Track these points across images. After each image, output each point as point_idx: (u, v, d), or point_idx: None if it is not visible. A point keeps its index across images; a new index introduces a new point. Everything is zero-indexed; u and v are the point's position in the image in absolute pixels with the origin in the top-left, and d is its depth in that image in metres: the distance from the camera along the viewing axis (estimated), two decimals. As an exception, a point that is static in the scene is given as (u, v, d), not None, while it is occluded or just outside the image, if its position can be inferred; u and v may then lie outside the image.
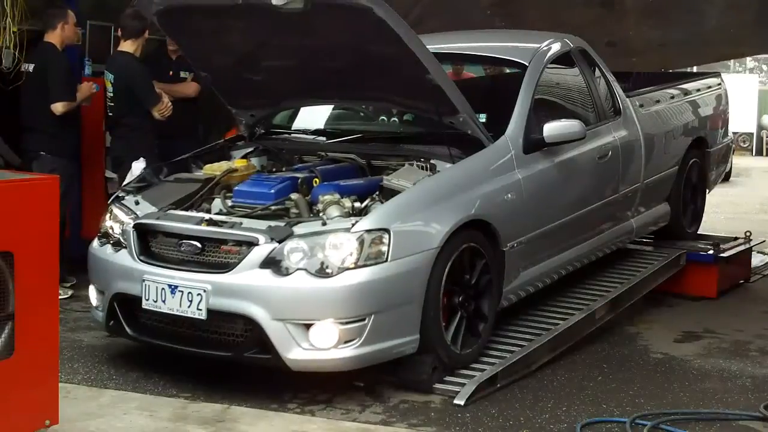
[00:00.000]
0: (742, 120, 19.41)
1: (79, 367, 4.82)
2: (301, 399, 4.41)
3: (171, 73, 7.01)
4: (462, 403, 4.35)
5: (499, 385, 4.58)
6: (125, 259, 4.69)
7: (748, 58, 27.84)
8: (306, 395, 4.44)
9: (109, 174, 6.85)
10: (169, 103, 6.38)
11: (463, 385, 4.47)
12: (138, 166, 5.85)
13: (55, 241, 3.57)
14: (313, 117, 5.93)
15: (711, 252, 6.74)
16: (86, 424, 4.05)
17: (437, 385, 4.51)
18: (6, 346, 3.42)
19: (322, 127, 5.85)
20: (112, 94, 6.35)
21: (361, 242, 4.28)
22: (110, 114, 6.44)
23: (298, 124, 5.94)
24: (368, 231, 4.31)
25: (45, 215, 3.53)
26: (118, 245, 4.80)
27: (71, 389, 4.46)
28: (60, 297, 4.06)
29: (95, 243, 5.00)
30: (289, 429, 4.09)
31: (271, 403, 4.35)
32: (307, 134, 5.72)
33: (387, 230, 4.33)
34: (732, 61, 25.68)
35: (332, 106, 5.96)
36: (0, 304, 3.39)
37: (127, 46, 6.36)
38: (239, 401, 4.36)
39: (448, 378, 4.57)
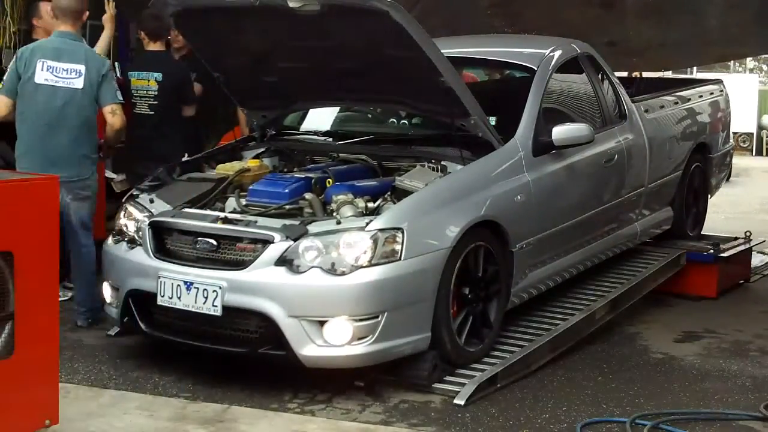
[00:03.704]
0: (742, 120, 19.44)
1: (79, 367, 4.82)
2: (301, 399, 4.42)
3: None
4: (462, 403, 4.37)
5: (499, 385, 4.61)
6: (140, 256, 4.75)
7: (748, 58, 27.86)
8: (306, 395, 4.45)
9: (108, 174, 6.87)
10: None
11: (463, 385, 4.49)
12: None
13: (55, 241, 3.57)
14: (321, 118, 6.00)
15: (711, 252, 6.80)
16: (86, 424, 4.06)
17: (437, 385, 4.53)
18: (6, 346, 3.43)
19: (331, 128, 5.91)
20: (156, 93, 6.37)
21: (375, 241, 4.35)
22: (152, 113, 6.40)
23: (307, 125, 6.00)
24: (382, 230, 4.38)
25: (45, 215, 3.53)
26: (132, 243, 4.87)
27: (71, 389, 4.46)
28: (60, 299, 4.00)
29: (110, 240, 5.07)
30: (289, 429, 4.11)
31: (271, 403, 4.36)
32: (317, 135, 5.78)
33: (400, 229, 4.41)
34: (732, 61, 25.71)
35: (339, 108, 6.03)
36: (0, 304, 3.40)
37: (158, 46, 6.49)
38: (239, 401, 4.38)
39: (448, 378, 4.58)
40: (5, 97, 5.26)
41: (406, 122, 5.76)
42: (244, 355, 4.50)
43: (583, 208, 5.70)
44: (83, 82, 5.20)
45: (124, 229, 4.99)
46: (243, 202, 4.93)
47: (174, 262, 4.63)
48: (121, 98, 5.41)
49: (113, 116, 5.30)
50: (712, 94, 7.59)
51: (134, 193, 5.18)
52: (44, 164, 5.10)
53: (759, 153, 22.47)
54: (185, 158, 5.62)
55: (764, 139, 22.74)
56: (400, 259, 4.39)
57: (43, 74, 5.15)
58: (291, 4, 4.64)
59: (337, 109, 6.05)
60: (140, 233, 4.83)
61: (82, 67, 5.21)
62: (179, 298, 4.53)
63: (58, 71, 5.16)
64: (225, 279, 4.45)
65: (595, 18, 8.56)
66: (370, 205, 4.73)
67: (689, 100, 7.23)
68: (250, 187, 4.97)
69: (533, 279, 5.29)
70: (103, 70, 5.27)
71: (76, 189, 5.31)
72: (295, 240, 4.40)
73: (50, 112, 5.21)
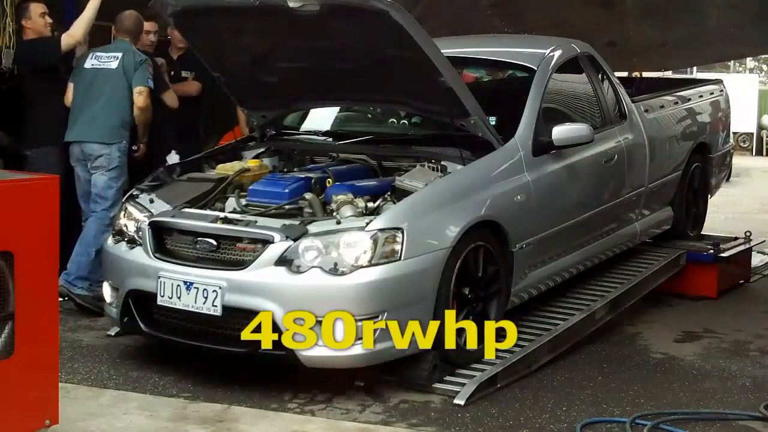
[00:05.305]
0: (742, 120, 19.48)
1: (79, 367, 4.82)
2: (301, 399, 4.42)
3: (173, 72, 6.99)
4: (462, 403, 4.37)
5: (499, 385, 4.61)
6: (140, 256, 4.75)
7: (748, 58, 27.90)
8: (306, 395, 4.45)
9: None
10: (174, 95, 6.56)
11: (463, 385, 4.49)
12: (173, 159, 5.96)
13: (55, 241, 3.56)
14: (322, 118, 6.01)
15: (711, 252, 6.81)
16: (86, 424, 4.07)
17: (437, 385, 4.53)
18: (6, 346, 3.42)
19: (331, 128, 5.91)
20: None
21: (375, 241, 4.35)
22: None
23: (307, 125, 6.01)
24: (382, 230, 4.38)
25: (45, 215, 3.53)
26: (132, 243, 4.87)
27: (71, 389, 4.46)
28: (60, 300, 4.07)
29: (110, 240, 5.08)
30: (289, 429, 4.11)
31: (271, 403, 4.37)
32: (317, 135, 5.79)
33: (400, 229, 4.40)
34: (732, 61, 25.75)
35: (340, 108, 6.03)
36: (0, 304, 3.40)
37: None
38: (239, 401, 4.38)
39: (448, 378, 4.58)
40: (71, 83, 6.23)
41: (406, 122, 5.76)
42: (244, 355, 4.49)
43: (583, 208, 5.71)
44: (118, 64, 6.07)
45: (124, 229, 4.99)
46: (243, 202, 4.93)
47: (174, 262, 4.63)
48: (151, 85, 6.06)
49: (138, 95, 6.01)
50: (712, 94, 7.60)
51: (134, 193, 5.19)
52: (80, 129, 6.03)
53: (759, 153, 22.52)
54: (173, 155, 5.63)
55: (764, 139, 22.78)
56: (400, 259, 4.39)
57: (91, 61, 6.14)
58: (291, 4, 4.64)
59: (337, 109, 6.05)
60: (140, 233, 4.83)
61: (119, 54, 6.10)
62: (179, 298, 4.54)
63: (101, 58, 6.14)
64: (225, 279, 4.45)
65: (595, 18, 8.59)
66: (370, 205, 4.73)
67: (689, 100, 7.24)
68: (250, 187, 4.98)
69: (533, 279, 5.29)
70: (137, 58, 6.08)
71: (94, 159, 5.96)
72: (295, 240, 4.40)
73: (89, 87, 6.09)
